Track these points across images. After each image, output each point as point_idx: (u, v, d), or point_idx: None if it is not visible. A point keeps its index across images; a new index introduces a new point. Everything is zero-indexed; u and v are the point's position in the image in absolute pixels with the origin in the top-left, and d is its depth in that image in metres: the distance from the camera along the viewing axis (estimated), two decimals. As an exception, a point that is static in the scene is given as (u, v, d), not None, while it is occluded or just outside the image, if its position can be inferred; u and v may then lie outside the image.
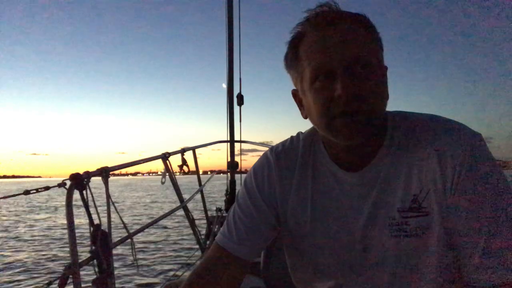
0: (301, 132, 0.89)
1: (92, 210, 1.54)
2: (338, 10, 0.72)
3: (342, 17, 0.70)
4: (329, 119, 0.70)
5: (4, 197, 1.50)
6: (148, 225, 2.25)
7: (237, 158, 4.37)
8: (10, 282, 6.81)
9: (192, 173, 3.33)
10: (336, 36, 0.69)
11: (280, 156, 0.86)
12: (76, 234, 1.44)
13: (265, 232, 0.85)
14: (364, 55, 0.68)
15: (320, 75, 0.70)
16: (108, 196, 1.70)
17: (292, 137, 0.90)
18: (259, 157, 0.93)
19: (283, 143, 0.89)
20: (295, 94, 0.82)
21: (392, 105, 0.78)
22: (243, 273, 0.85)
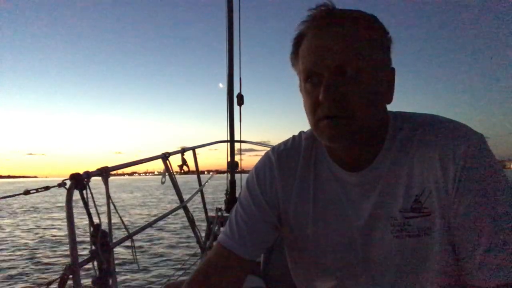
0: (303, 132, 0.90)
1: (92, 210, 1.54)
2: (334, 10, 0.72)
3: (339, 18, 0.70)
4: (316, 120, 0.72)
5: (4, 197, 1.50)
6: (148, 225, 2.25)
7: (236, 158, 4.36)
8: (9, 281, 6.81)
9: (192, 173, 3.32)
10: (326, 40, 0.69)
11: (282, 155, 0.86)
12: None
13: (267, 232, 0.85)
14: (351, 61, 0.68)
15: (309, 78, 0.72)
16: (108, 196, 1.70)
17: (294, 136, 0.90)
18: (256, 157, 0.94)
19: (284, 143, 0.89)
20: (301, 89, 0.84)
21: (392, 105, 0.80)
22: (245, 273, 0.85)
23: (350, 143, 0.72)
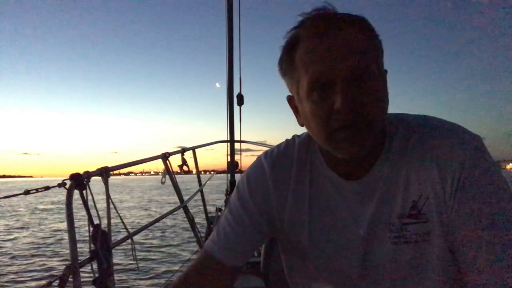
0: (297, 136, 0.86)
1: (92, 210, 1.54)
2: (335, 13, 0.68)
3: (340, 22, 0.66)
4: (329, 132, 0.67)
5: (4, 197, 1.49)
6: (148, 225, 2.25)
7: (235, 158, 4.37)
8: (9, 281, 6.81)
9: (190, 173, 3.32)
10: (334, 45, 0.65)
11: (275, 161, 0.82)
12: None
13: (255, 239, 0.83)
14: (363, 65, 0.65)
15: (318, 86, 0.66)
16: (108, 196, 1.70)
17: (287, 140, 0.86)
18: (253, 157, 0.90)
19: (278, 147, 0.85)
20: (290, 100, 0.79)
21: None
22: (229, 280, 0.83)
23: (366, 151, 0.68)
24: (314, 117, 0.68)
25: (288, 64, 0.72)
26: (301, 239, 0.81)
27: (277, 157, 0.83)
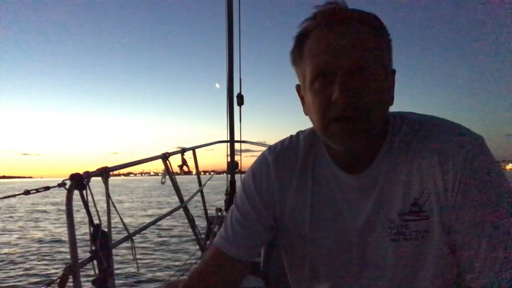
0: (301, 131, 0.88)
1: (92, 210, 1.54)
2: (346, 9, 0.70)
3: (350, 17, 0.68)
4: (326, 122, 0.69)
5: (4, 197, 1.49)
6: (148, 225, 2.25)
7: (235, 158, 4.36)
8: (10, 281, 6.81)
9: (187, 173, 3.31)
10: (340, 39, 0.67)
11: (279, 156, 0.84)
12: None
13: (263, 233, 0.84)
14: (366, 61, 0.67)
15: (320, 77, 0.69)
16: (108, 196, 1.70)
17: (291, 136, 0.88)
18: (253, 157, 0.92)
19: (281, 142, 0.87)
20: (299, 89, 0.81)
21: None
22: (241, 274, 0.85)
23: (362, 144, 0.70)
24: (314, 106, 0.71)
25: (297, 54, 0.75)
26: (301, 233, 0.82)
27: (281, 152, 0.85)
